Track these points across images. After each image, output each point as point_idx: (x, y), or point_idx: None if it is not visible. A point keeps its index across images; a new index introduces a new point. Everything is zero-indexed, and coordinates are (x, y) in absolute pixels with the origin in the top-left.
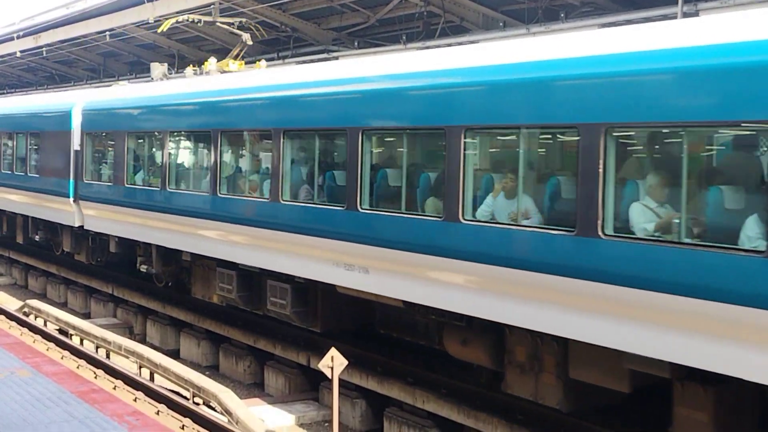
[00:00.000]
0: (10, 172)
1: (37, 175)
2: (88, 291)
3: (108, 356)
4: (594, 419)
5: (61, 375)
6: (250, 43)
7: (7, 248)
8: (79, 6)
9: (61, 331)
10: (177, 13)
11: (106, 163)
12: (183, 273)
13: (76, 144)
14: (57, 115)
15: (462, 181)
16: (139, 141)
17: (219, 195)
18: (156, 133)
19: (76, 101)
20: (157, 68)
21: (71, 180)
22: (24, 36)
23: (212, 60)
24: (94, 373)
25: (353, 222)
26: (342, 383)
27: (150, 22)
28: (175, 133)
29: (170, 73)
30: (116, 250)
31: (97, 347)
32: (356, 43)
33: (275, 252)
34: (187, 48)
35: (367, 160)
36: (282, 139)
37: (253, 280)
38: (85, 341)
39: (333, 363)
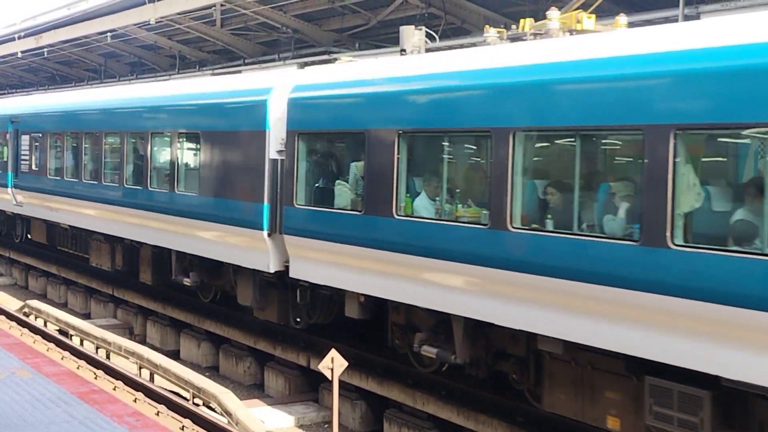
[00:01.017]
0: (139, 187)
1: (192, 194)
2: (89, 291)
3: (108, 357)
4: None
5: (62, 375)
6: None
7: (7, 248)
8: (81, 7)
9: (61, 331)
10: (178, 14)
11: (343, 179)
12: (521, 370)
13: (273, 150)
14: (238, 107)
15: None
16: (438, 146)
17: (673, 247)
18: (489, 133)
19: (274, 85)
20: (415, 34)
21: (265, 204)
22: (25, 36)
23: (552, 14)
24: (94, 373)
25: None
26: (342, 384)
27: (151, 23)
28: (542, 133)
29: (173, 74)
30: (359, 315)
31: (97, 348)
32: (357, 45)
33: None
34: (189, 49)
35: None
36: None
37: None
38: (85, 342)
39: (333, 364)
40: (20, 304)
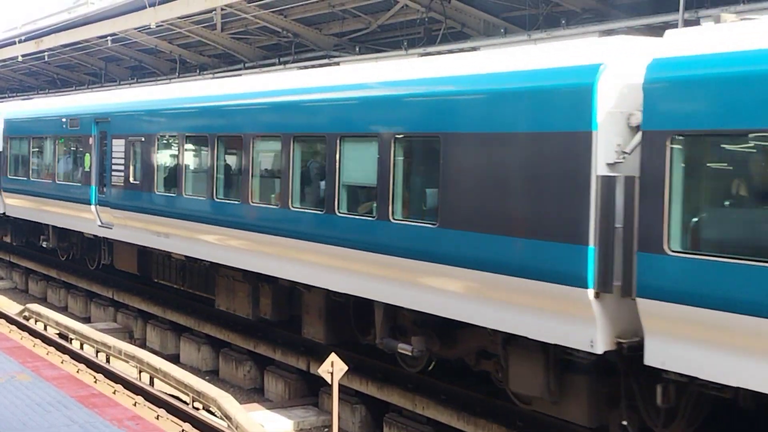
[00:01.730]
0: (318, 211)
1: (425, 225)
2: (89, 295)
3: (108, 361)
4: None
5: (61, 379)
6: None
7: (7, 252)
8: (81, 11)
9: (61, 335)
10: (178, 18)
11: None
12: None
13: (603, 162)
14: (527, 96)
15: None
16: None
17: None
18: None
19: (603, 61)
20: None
21: (590, 247)
22: (26, 40)
23: None
24: (94, 377)
25: None
26: (342, 389)
27: (151, 27)
28: None
29: (173, 78)
30: None
31: (97, 351)
32: (357, 49)
33: None
34: (189, 53)
35: None
36: None
37: None
38: (85, 345)
39: (333, 368)
40: (20, 307)
